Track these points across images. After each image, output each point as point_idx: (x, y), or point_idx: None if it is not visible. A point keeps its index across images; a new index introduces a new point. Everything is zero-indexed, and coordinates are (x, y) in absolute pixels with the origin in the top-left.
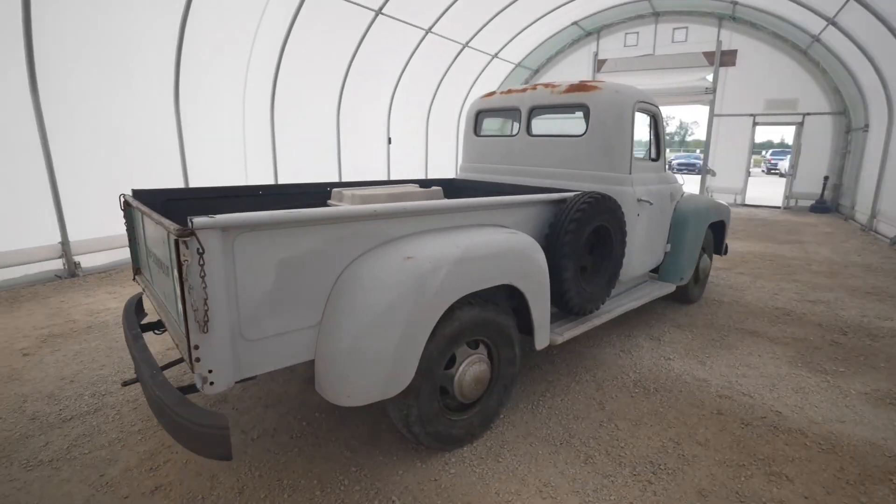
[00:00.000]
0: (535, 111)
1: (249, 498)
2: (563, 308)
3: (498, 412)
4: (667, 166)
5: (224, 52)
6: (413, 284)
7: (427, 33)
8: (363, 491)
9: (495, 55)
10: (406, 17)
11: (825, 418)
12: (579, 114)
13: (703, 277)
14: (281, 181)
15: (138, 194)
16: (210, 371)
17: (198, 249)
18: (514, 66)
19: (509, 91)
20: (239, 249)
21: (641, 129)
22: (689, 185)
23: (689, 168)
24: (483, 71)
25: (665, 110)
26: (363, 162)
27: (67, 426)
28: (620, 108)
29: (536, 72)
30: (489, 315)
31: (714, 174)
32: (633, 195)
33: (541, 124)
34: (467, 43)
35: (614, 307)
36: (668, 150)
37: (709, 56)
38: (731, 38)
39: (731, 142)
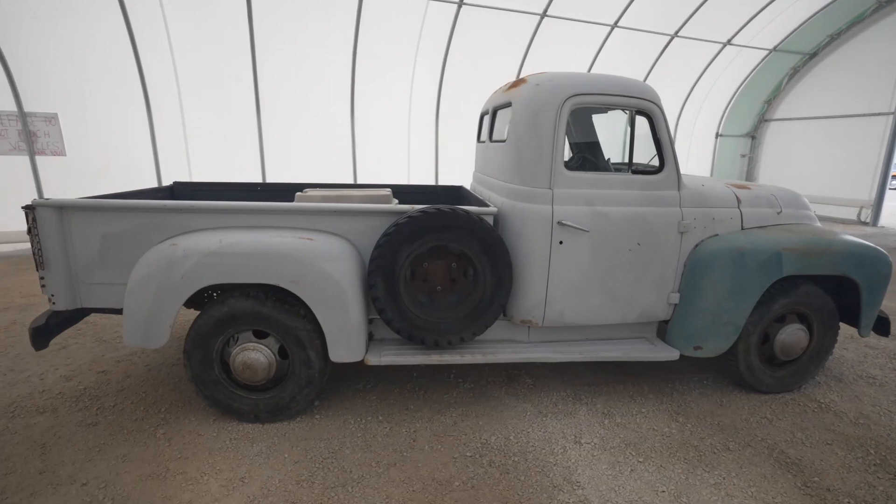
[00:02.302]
0: (496, 113)
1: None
2: (392, 329)
3: (290, 407)
4: (679, 180)
5: (387, 74)
6: (164, 265)
7: (613, 29)
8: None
9: (728, 42)
10: (575, 14)
11: None
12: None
13: (794, 362)
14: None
15: (178, 184)
16: (52, 295)
17: (33, 218)
18: (767, 52)
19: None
20: (72, 221)
21: (615, 130)
22: None
23: None
24: (711, 64)
25: None
26: None
27: None
28: (537, 106)
29: (812, 56)
30: (266, 311)
31: None
32: (547, 216)
33: (500, 128)
34: (677, 32)
35: (563, 353)
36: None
37: None
38: None
39: None
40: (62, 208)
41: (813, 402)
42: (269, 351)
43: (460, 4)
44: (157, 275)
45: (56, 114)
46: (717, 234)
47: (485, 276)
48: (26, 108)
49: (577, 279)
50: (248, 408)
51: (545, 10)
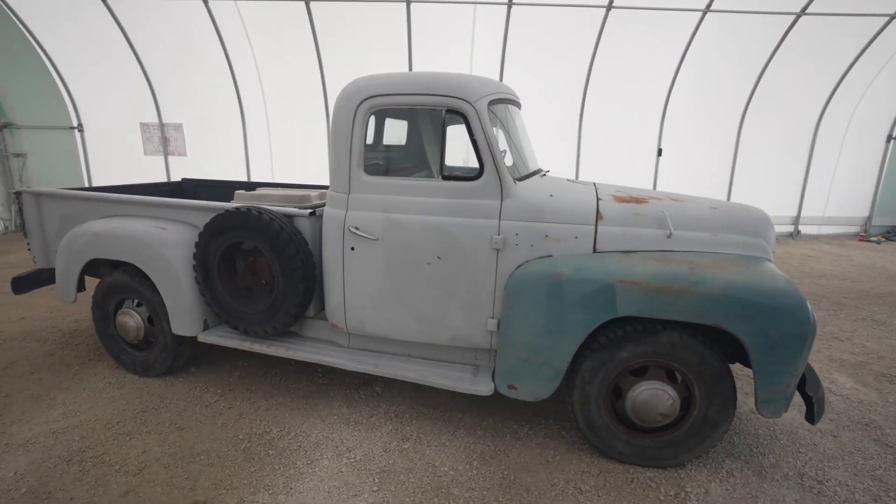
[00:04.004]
0: None
1: None
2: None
3: (155, 367)
4: (504, 188)
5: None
6: (70, 240)
7: (704, 14)
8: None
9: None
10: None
11: None
12: None
13: (666, 431)
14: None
15: (187, 180)
16: (34, 256)
17: (19, 200)
18: None
19: None
20: (43, 204)
21: (449, 133)
22: None
23: None
24: (869, 46)
25: None
26: (627, 173)
27: None
28: (337, 110)
29: None
30: (134, 284)
31: None
32: (340, 221)
33: None
34: (805, 9)
35: (358, 362)
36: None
37: None
38: None
39: None
40: (38, 195)
41: (676, 489)
42: (138, 317)
43: (510, 5)
44: (66, 247)
45: (181, 123)
46: (550, 255)
47: (277, 276)
48: (164, 120)
49: (371, 289)
50: (130, 361)
51: (610, 1)
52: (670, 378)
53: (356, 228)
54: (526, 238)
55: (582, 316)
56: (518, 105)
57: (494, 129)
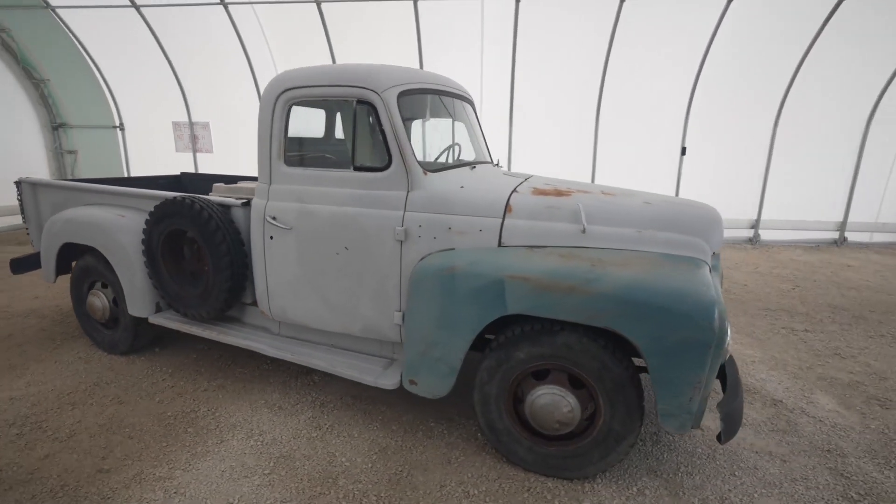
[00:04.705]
0: None
1: None
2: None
3: (118, 345)
4: (411, 179)
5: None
6: (49, 226)
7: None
8: None
9: None
10: None
11: None
12: None
13: (571, 441)
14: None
15: (185, 174)
16: (32, 240)
17: (19, 188)
18: None
19: None
20: (38, 192)
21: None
22: None
23: None
24: None
25: None
26: (647, 174)
27: None
28: (261, 102)
29: None
30: (100, 268)
31: None
32: (261, 211)
33: None
34: None
35: (277, 348)
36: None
37: None
38: None
39: None
40: (34, 185)
41: (571, 502)
42: (104, 298)
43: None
44: (46, 232)
45: (209, 122)
46: (452, 249)
47: (209, 262)
48: (192, 119)
49: (289, 277)
50: (100, 339)
51: None
52: (574, 384)
53: (273, 218)
54: (429, 230)
55: (473, 312)
56: (462, 97)
57: (425, 119)
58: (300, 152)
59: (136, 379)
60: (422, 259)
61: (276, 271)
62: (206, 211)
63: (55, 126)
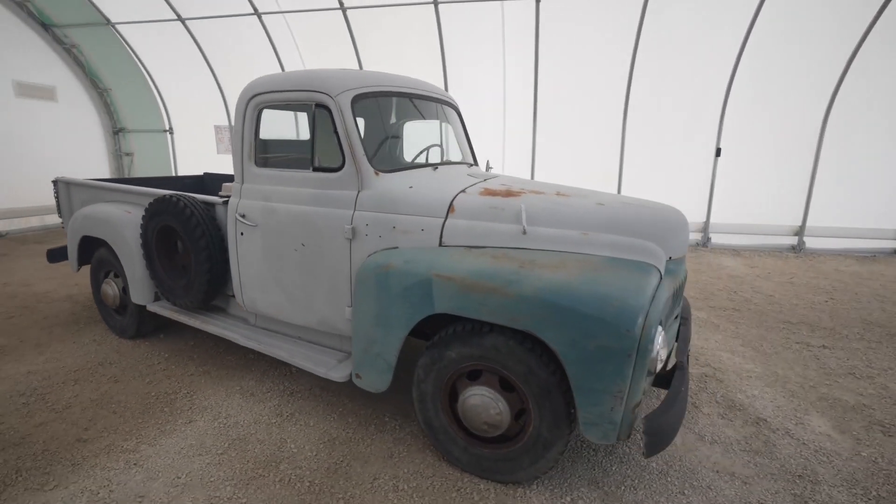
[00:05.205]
0: None
1: None
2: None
3: (127, 330)
4: (363, 179)
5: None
6: (72, 220)
7: None
8: None
9: None
10: None
11: None
12: None
13: (505, 444)
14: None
15: (208, 174)
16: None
17: (56, 186)
18: None
19: None
20: (71, 191)
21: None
22: None
23: None
24: None
25: None
26: (679, 176)
27: None
28: (236, 106)
29: None
30: (111, 259)
31: None
32: (234, 208)
33: None
34: None
35: (247, 338)
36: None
37: None
38: None
39: None
40: (68, 184)
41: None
42: (115, 287)
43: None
44: (70, 226)
45: None
46: (396, 247)
47: (191, 256)
48: (232, 123)
49: (256, 271)
50: (113, 324)
51: None
52: (505, 387)
53: (243, 216)
54: (375, 229)
55: (405, 309)
56: (440, 100)
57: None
58: (268, 154)
59: (135, 361)
60: (368, 257)
61: (246, 265)
62: (188, 208)
63: (115, 131)
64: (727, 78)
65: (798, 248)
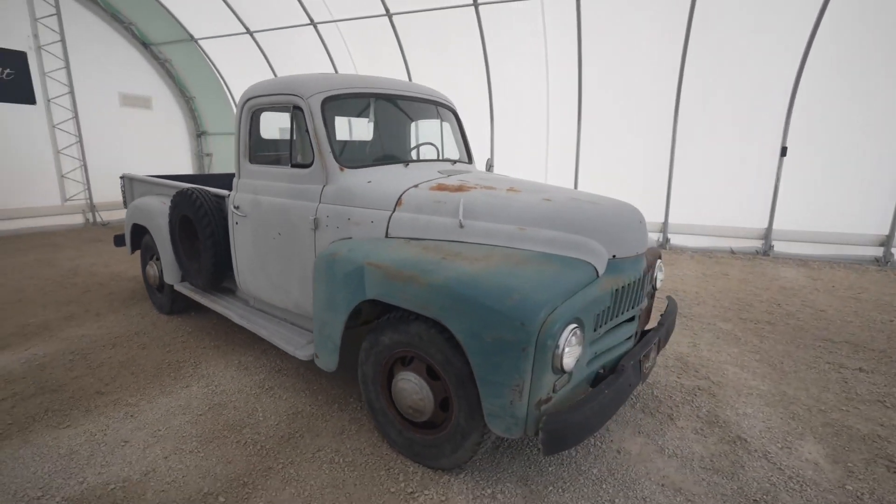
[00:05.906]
0: None
1: None
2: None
3: (163, 307)
4: (329, 175)
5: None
6: (128, 209)
7: None
8: None
9: None
10: None
11: None
12: None
13: (438, 429)
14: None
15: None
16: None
17: (123, 180)
18: None
19: None
20: (132, 185)
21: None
22: None
23: None
24: None
25: None
26: (738, 177)
27: None
28: (236, 109)
29: None
30: (152, 242)
31: None
32: (232, 200)
33: None
34: None
35: (241, 317)
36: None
37: None
38: None
39: None
40: (131, 179)
41: (415, 488)
42: (156, 268)
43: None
44: (126, 214)
45: None
46: (350, 238)
47: (201, 243)
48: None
49: (247, 257)
50: (155, 301)
51: None
52: (432, 374)
53: (237, 208)
54: (334, 221)
55: (345, 294)
56: (428, 101)
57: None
58: (259, 152)
59: (163, 333)
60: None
61: (239, 252)
62: (198, 200)
63: (198, 134)
64: (794, 73)
65: (884, 261)
